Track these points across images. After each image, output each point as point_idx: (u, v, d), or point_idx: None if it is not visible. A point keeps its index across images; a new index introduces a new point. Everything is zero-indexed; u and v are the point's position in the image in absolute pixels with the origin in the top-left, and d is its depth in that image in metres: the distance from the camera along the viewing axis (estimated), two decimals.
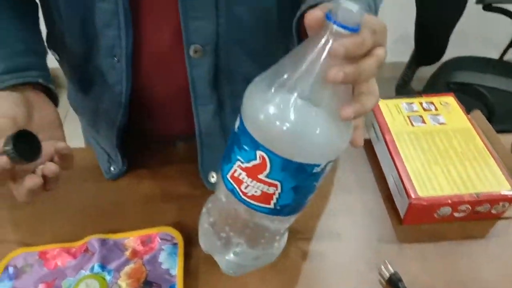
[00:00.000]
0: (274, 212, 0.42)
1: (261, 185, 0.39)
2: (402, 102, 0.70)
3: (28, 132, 0.43)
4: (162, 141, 0.70)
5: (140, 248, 0.54)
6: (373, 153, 0.69)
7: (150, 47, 0.56)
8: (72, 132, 0.76)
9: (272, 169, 0.38)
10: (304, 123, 0.36)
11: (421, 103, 0.70)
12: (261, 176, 0.39)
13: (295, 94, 0.36)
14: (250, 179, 0.39)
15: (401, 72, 1.53)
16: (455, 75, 1.13)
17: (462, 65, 1.52)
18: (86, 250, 0.53)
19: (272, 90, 0.37)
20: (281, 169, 0.38)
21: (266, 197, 0.40)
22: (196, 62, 0.54)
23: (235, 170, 0.40)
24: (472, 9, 1.72)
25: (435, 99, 0.71)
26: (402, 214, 0.59)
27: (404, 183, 0.58)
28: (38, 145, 0.43)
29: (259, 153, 0.38)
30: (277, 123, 0.36)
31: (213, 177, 0.61)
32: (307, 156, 0.38)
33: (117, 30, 0.52)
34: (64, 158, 0.46)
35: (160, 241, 0.54)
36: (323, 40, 0.34)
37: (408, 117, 0.68)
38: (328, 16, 0.34)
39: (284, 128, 0.36)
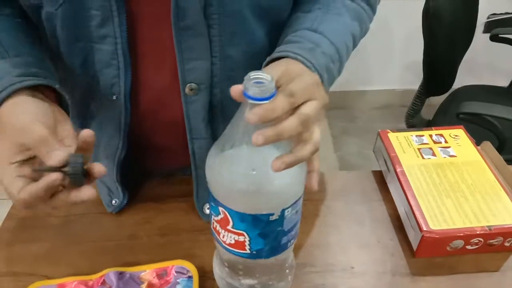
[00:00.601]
0: (253, 256, 0.45)
1: (232, 235, 0.44)
2: (412, 135, 0.71)
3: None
4: (162, 173, 0.72)
5: (156, 281, 0.55)
6: (384, 185, 0.70)
7: (148, 85, 0.58)
8: None
9: (234, 221, 0.43)
10: (250, 181, 0.41)
11: (431, 136, 0.71)
12: (229, 227, 0.43)
13: (239, 156, 0.41)
14: (223, 230, 0.44)
15: (411, 101, 1.54)
16: (464, 106, 1.14)
17: (471, 94, 1.53)
18: (104, 283, 0.54)
19: (221, 154, 0.42)
20: (240, 221, 0.42)
21: (240, 244, 0.44)
22: (191, 99, 0.56)
23: (213, 222, 0.46)
24: (480, 39, 1.75)
25: (445, 132, 0.72)
26: (414, 247, 0.59)
27: (416, 216, 0.58)
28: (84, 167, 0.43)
29: (220, 208, 0.43)
30: (225, 183, 0.41)
31: (208, 209, 0.63)
32: (258, 209, 0.42)
33: (116, 70, 0.54)
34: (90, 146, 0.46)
35: (175, 274, 0.55)
36: (247, 109, 0.38)
37: (419, 149, 0.69)
38: (244, 91, 0.38)
39: (233, 187, 0.41)
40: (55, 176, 0.40)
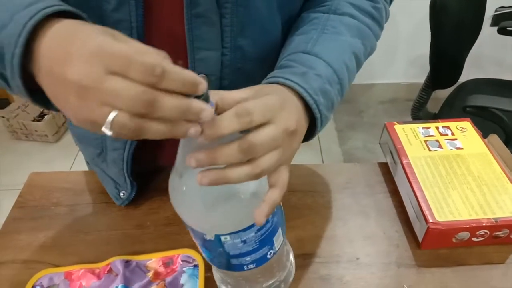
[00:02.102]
0: (211, 262, 0.47)
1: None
2: (419, 127, 0.71)
3: None
4: (170, 165, 0.72)
5: (162, 269, 0.55)
6: (390, 177, 0.70)
7: None
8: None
9: (187, 227, 0.43)
10: (182, 197, 0.40)
11: (437, 128, 0.71)
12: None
13: (183, 180, 0.39)
14: None
15: (417, 94, 1.53)
16: (471, 99, 1.13)
17: (478, 88, 1.52)
18: (110, 271, 0.55)
19: (175, 178, 0.40)
20: (188, 228, 0.43)
21: (197, 246, 0.46)
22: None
23: None
24: (487, 32, 1.74)
25: (452, 124, 0.72)
26: (420, 239, 0.59)
27: (422, 207, 0.58)
28: None
29: None
30: (173, 201, 0.41)
31: None
32: (193, 224, 0.42)
33: None
34: None
35: (181, 263, 0.56)
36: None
37: (425, 141, 0.68)
38: None
39: (171, 195, 0.41)
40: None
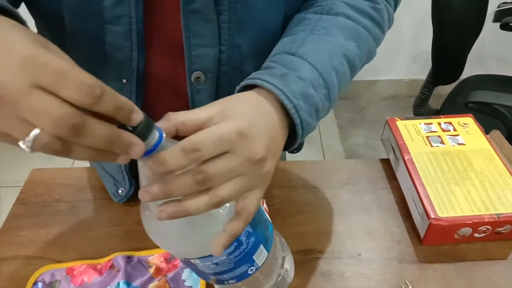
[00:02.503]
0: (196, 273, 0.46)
1: None
2: (421, 123, 0.71)
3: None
4: None
5: (163, 265, 0.55)
6: (392, 173, 0.70)
7: (155, 72, 0.57)
8: None
9: None
10: (151, 230, 0.40)
11: (439, 124, 0.71)
12: None
13: (147, 207, 0.38)
14: None
15: (419, 90, 1.53)
16: (473, 95, 1.13)
17: (480, 84, 1.51)
18: (112, 267, 0.55)
19: (142, 203, 0.39)
20: None
21: None
22: (197, 88, 0.55)
23: None
24: (490, 28, 1.73)
25: (454, 120, 0.71)
26: (422, 235, 0.59)
27: (424, 203, 0.58)
28: None
29: None
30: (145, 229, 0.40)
31: None
32: (166, 250, 0.42)
33: (129, 52, 0.52)
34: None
35: None
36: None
37: (427, 137, 0.68)
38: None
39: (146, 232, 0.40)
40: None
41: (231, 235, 0.37)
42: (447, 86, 1.50)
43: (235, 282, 0.44)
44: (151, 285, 0.53)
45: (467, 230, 0.57)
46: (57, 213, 0.65)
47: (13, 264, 0.58)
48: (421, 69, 2.15)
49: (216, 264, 0.41)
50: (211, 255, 0.39)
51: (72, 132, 0.28)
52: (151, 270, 0.54)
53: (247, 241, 0.41)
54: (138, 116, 0.31)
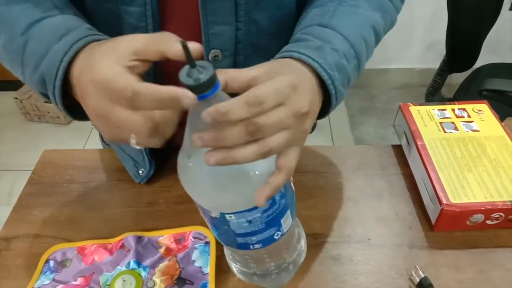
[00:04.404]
0: (219, 238, 0.47)
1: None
2: (434, 109, 0.70)
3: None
4: None
5: (173, 246, 0.55)
6: (404, 159, 0.69)
7: None
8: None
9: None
10: (189, 173, 0.40)
11: (453, 110, 0.70)
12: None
13: (190, 158, 0.39)
14: None
15: (431, 79, 1.51)
16: (488, 82, 1.11)
17: (495, 72, 1.49)
18: (122, 246, 0.55)
19: (183, 156, 0.40)
20: (195, 203, 0.43)
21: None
22: (215, 67, 0.55)
23: None
24: (506, 16, 1.69)
25: (468, 106, 0.70)
26: (433, 221, 0.58)
27: (436, 189, 0.57)
28: None
29: None
30: (180, 177, 0.40)
31: None
32: (200, 201, 0.41)
33: (145, 32, 0.52)
34: None
35: (193, 239, 0.56)
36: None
37: (441, 123, 0.67)
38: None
39: (180, 173, 0.40)
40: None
41: (274, 187, 0.37)
42: (460, 75, 1.48)
43: (260, 247, 0.44)
44: (161, 265, 0.53)
45: (479, 217, 0.56)
46: (68, 193, 0.66)
47: (26, 242, 0.59)
48: (434, 58, 2.11)
49: (249, 222, 0.41)
50: (247, 210, 0.40)
51: (152, 134, 0.38)
52: (161, 251, 0.55)
53: (279, 201, 0.42)
54: (187, 100, 0.34)
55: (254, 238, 0.43)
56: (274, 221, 0.43)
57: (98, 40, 0.44)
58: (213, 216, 0.42)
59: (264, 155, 0.36)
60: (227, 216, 0.41)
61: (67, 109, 0.46)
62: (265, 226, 0.42)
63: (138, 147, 0.39)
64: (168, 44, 0.37)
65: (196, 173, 0.39)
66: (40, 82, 0.45)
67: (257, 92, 0.35)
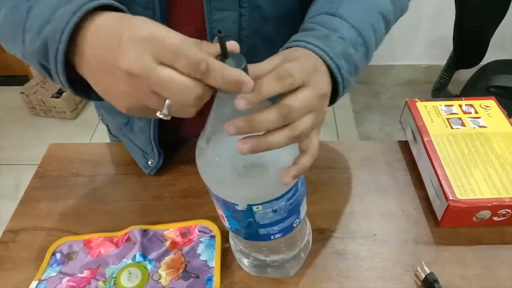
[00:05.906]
0: (235, 232, 0.47)
1: (217, 208, 0.46)
2: (441, 104, 0.70)
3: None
4: (195, 135, 0.72)
5: (179, 239, 0.56)
6: (410, 155, 0.69)
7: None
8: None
9: (213, 197, 0.44)
10: (218, 169, 0.39)
11: (460, 106, 0.69)
12: (213, 200, 0.45)
13: (216, 144, 0.39)
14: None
15: (438, 76, 1.50)
16: (495, 79, 1.10)
17: (502, 68, 1.48)
18: (128, 239, 0.56)
19: (204, 146, 0.40)
20: (215, 199, 0.43)
21: (222, 218, 0.47)
22: None
23: None
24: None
25: (475, 102, 0.70)
26: (439, 217, 0.58)
27: (442, 185, 0.57)
28: None
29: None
30: (200, 167, 0.41)
31: None
32: (225, 195, 0.41)
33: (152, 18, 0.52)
34: None
35: (198, 233, 0.56)
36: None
37: (447, 119, 0.67)
38: None
39: (203, 171, 0.41)
40: None
41: (301, 168, 0.38)
42: (467, 72, 1.46)
43: (280, 237, 0.45)
44: (166, 258, 0.53)
45: (486, 213, 0.56)
46: (74, 186, 0.66)
47: (32, 234, 0.59)
48: (439, 55, 2.10)
49: (275, 212, 0.42)
50: (275, 199, 0.40)
51: (195, 101, 0.34)
52: (167, 244, 0.55)
53: (300, 188, 0.43)
54: (247, 85, 0.33)
55: (276, 228, 0.44)
56: (295, 209, 0.44)
57: (112, 5, 0.39)
58: (239, 209, 0.41)
59: (295, 139, 0.36)
60: (254, 208, 0.41)
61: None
62: (288, 215, 0.43)
63: (163, 117, 0.35)
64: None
65: (221, 164, 0.39)
66: (42, 49, 0.39)
67: (285, 66, 0.36)
